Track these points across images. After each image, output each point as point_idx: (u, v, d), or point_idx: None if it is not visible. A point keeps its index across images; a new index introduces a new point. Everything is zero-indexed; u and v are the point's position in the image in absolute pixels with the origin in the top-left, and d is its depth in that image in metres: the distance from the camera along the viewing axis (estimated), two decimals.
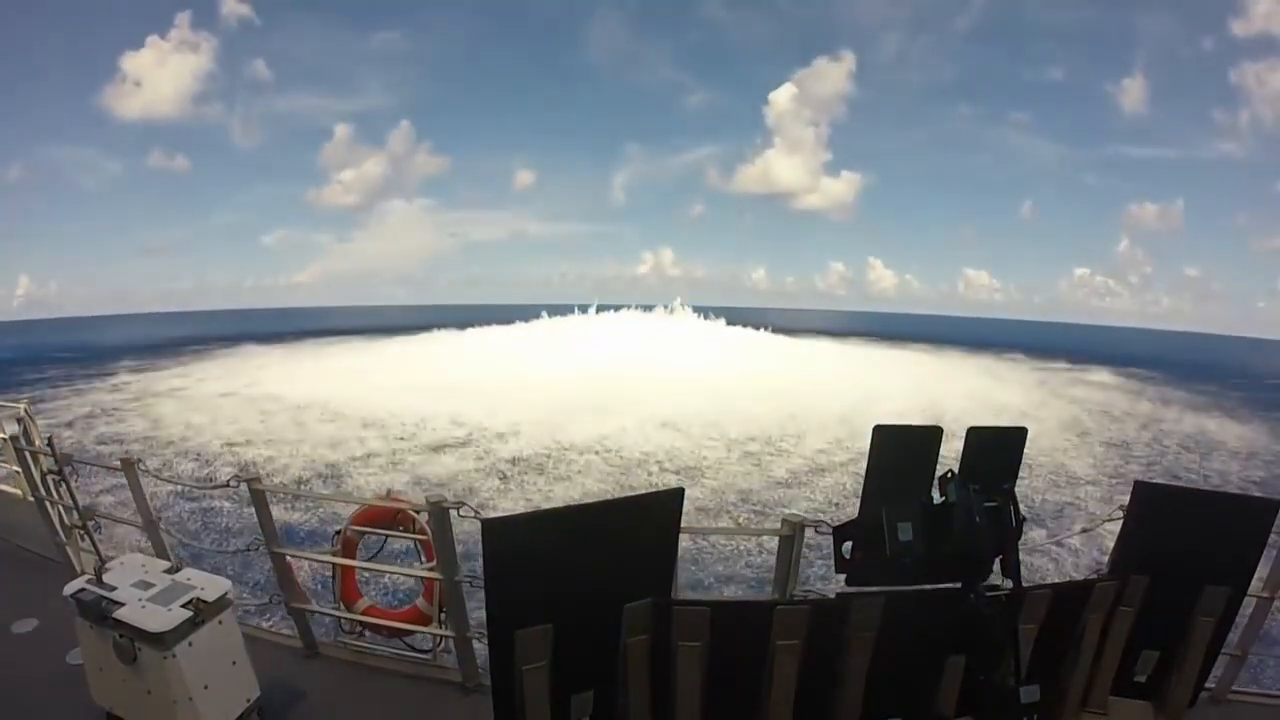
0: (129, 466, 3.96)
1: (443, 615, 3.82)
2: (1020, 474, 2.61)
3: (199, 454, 22.19)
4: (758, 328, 62.38)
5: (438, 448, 22.94)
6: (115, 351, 59.34)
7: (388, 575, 4.62)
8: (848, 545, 2.52)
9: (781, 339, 60.33)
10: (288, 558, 3.90)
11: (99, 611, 2.88)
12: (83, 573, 3.77)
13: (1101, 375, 50.61)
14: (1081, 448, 25.30)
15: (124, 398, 33.21)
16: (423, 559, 4.03)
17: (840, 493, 18.99)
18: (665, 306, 62.51)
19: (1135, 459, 24.10)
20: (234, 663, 3.05)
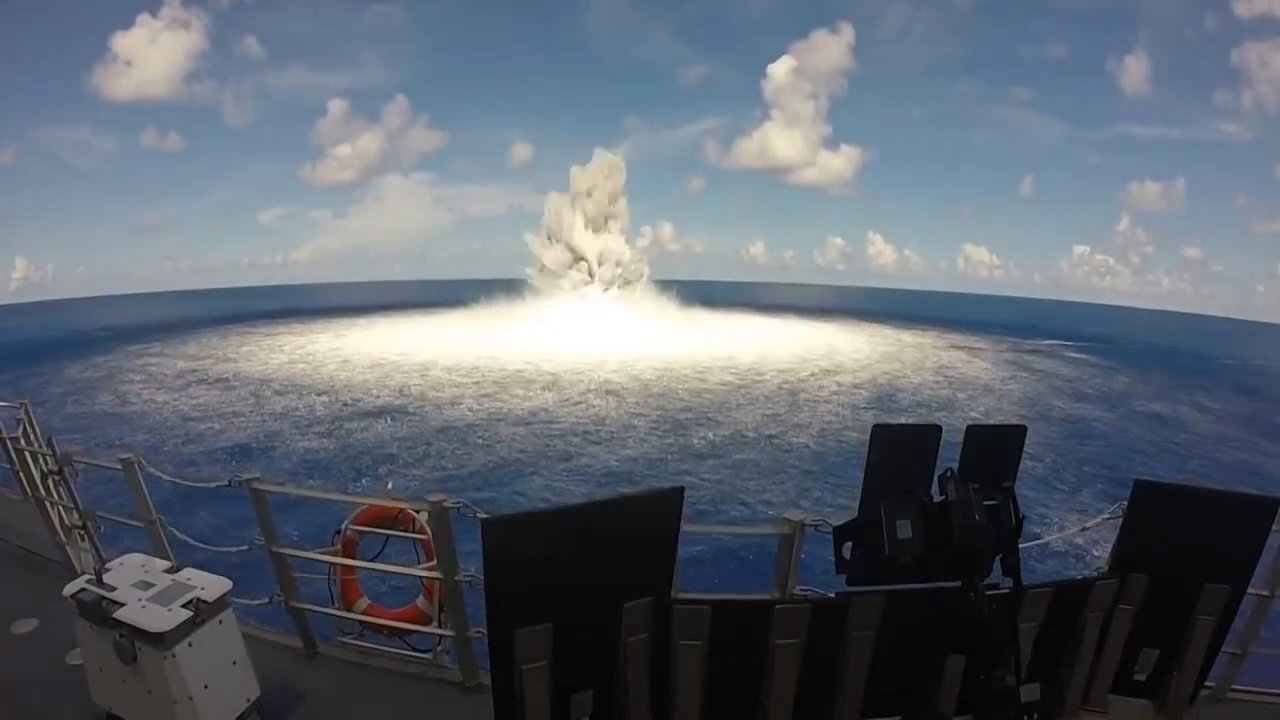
0: (129, 466, 3.95)
1: (443, 615, 3.82)
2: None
3: (155, 429, 23.30)
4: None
5: (378, 413, 25.31)
6: (100, 333, 60.72)
7: (388, 575, 4.66)
8: (847, 545, 2.52)
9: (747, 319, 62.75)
10: (288, 557, 3.90)
11: (99, 612, 2.88)
12: (83, 573, 3.76)
13: (1077, 354, 51.53)
14: (1038, 423, 25.64)
15: (97, 375, 34.64)
16: (422, 559, 4.03)
17: (756, 469, 19.57)
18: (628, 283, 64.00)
19: (1093, 439, 24.49)
20: (234, 663, 3.06)
